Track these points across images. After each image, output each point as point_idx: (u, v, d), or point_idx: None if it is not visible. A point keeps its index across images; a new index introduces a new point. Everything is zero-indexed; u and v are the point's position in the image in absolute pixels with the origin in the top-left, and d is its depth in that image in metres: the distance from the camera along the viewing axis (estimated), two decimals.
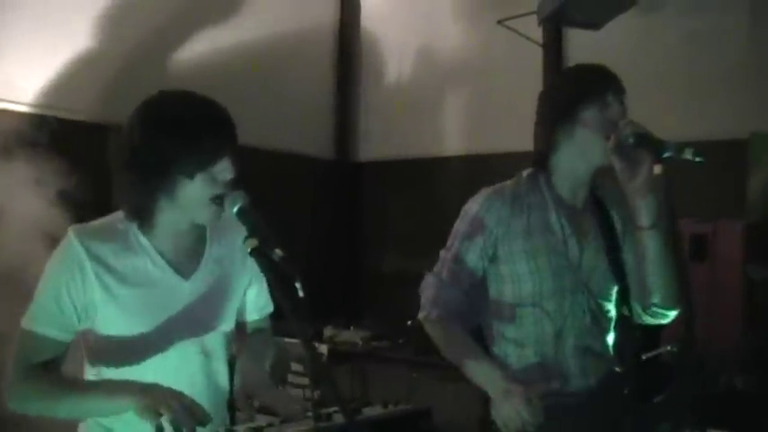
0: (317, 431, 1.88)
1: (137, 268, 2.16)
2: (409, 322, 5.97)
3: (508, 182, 2.58)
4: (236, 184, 2.13)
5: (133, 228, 2.18)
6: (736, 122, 5.50)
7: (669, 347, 2.25)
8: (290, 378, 5.47)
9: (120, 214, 2.19)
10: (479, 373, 2.42)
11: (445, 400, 4.65)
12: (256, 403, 2.10)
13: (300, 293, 1.82)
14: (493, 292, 2.56)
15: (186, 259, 2.24)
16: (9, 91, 5.48)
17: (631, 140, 2.31)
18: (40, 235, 4.49)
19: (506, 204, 2.49)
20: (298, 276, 1.83)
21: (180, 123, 2.08)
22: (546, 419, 2.24)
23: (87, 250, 2.11)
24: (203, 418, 1.92)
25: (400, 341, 6.16)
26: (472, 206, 2.55)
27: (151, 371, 2.16)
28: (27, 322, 2.12)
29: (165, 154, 2.06)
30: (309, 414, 1.98)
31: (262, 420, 1.98)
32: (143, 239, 2.18)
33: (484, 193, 2.55)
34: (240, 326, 2.44)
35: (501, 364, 2.49)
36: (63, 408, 2.13)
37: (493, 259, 2.52)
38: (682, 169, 2.29)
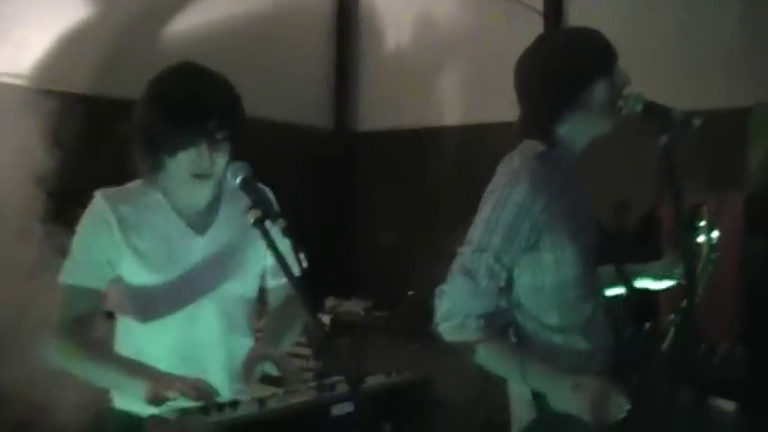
0: (321, 401, 1.88)
1: (155, 224, 2.33)
2: (410, 292, 6.01)
3: (533, 165, 2.36)
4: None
5: (152, 188, 2.34)
6: (739, 92, 5.47)
7: (672, 316, 2.25)
8: (293, 348, 5.49)
9: (140, 180, 2.37)
10: (539, 377, 2.29)
11: (444, 369, 4.68)
12: (258, 375, 2.16)
13: (304, 264, 1.83)
14: (528, 282, 2.38)
15: (202, 217, 2.38)
16: (2, 65, 5.45)
17: (639, 108, 2.30)
18: (34, 204, 4.50)
19: (549, 191, 2.31)
20: (300, 247, 1.84)
21: (164, 103, 2.22)
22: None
23: (112, 207, 2.30)
24: (209, 396, 1.99)
25: (401, 311, 6.18)
26: (515, 194, 2.30)
27: (171, 324, 2.32)
28: (62, 277, 2.30)
29: (150, 130, 2.22)
30: (312, 384, 1.97)
31: (266, 391, 1.99)
32: (161, 198, 2.34)
33: (525, 180, 2.31)
34: (263, 294, 2.55)
35: (553, 360, 2.36)
36: (87, 372, 2.30)
37: (533, 248, 2.33)
38: (683, 139, 2.28)
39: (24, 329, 3.90)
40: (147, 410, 2.13)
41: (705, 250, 2.51)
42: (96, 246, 2.29)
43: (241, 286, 2.43)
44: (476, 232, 2.35)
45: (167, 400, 1.98)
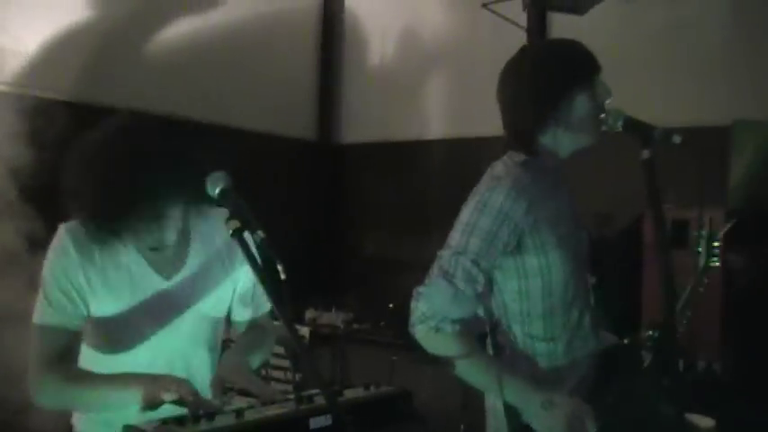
0: (299, 413, 1.87)
1: (119, 266, 2.25)
2: (390, 305, 6.01)
3: (515, 171, 2.38)
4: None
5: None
6: (719, 109, 5.52)
7: (650, 332, 2.25)
8: (272, 360, 5.44)
9: None
10: (510, 390, 2.27)
11: (425, 382, 4.68)
12: (230, 393, 2.16)
13: (282, 276, 1.81)
14: (514, 287, 2.39)
15: (170, 260, 2.31)
16: None
17: (620, 124, 2.31)
18: (18, 212, 4.47)
19: (531, 195, 2.32)
20: (279, 259, 1.83)
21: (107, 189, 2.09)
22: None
23: (74, 243, 2.21)
24: (204, 406, 1.96)
25: (381, 324, 6.17)
26: (495, 198, 2.31)
27: (134, 363, 2.25)
28: (36, 317, 2.22)
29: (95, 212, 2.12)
30: (290, 396, 1.96)
31: (242, 403, 1.97)
32: (126, 239, 2.23)
33: (505, 184, 2.32)
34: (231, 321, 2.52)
35: (528, 372, 2.36)
36: (79, 403, 2.25)
37: (516, 252, 2.34)
38: (664, 155, 2.30)
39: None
40: None
41: (703, 260, 2.53)
42: (64, 282, 2.21)
43: (209, 317, 2.40)
44: (455, 235, 2.35)
45: (163, 402, 1.96)
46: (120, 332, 2.26)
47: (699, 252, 2.54)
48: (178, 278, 2.31)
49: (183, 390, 1.98)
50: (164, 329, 2.29)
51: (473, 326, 2.36)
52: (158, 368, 2.25)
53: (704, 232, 2.53)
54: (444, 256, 2.34)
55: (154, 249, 2.21)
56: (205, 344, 2.41)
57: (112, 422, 2.23)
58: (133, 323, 2.26)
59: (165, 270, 2.30)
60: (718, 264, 2.58)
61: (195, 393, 1.99)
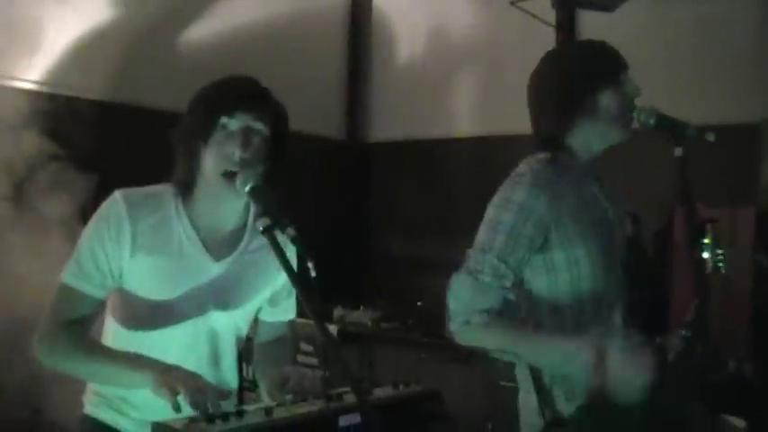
0: (328, 411, 1.87)
1: (170, 238, 2.24)
2: (419, 304, 6.00)
3: (536, 167, 2.39)
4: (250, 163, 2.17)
5: (177, 199, 2.26)
6: (747, 107, 5.46)
7: (683, 332, 2.23)
8: (300, 358, 5.46)
9: (168, 185, 2.28)
10: (558, 349, 2.24)
11: (452, 381, 4.68)
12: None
13: (313, 273, 1.82)
14: (543, 284, 2.39)
15: (222, 243, 2.31)
16: (17, 69, 5.46)
17: (652, 122, 2.30)
18: (48, 212, 4.50)
19: (553, 189, 2.32)
20: (310, 256, 1.84)
21: (202, 92, 2.25)
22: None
23: (129, 210, 2.20)
24: (219, 399, 1.94)
25: (409, 322, 6.17)
26: (517, 194, 2.32)
27: (163, 340, 2.25)
28: (65, 276, 2.21)
29: (189, 121, 2.21)
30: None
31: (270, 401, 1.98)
32: (183, 212, 2.25)
33: (526, 180, 2.34)
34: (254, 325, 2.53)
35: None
36: (85, 371, 2.24)
37: (543, 248, 2.34)
38: (692, 153, 2.28)
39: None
40: (118, 420, 2.23)
41: (710, 267, 2.52)
42: (103, 253, 2.19)
43: (240, 321, 2.40)
44: (481, 234, 2.37)
45: (177, 393, 1.93)
46: (154, 308, 2.25)
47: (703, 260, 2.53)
48: (226, 262, 2.30)
49: (194, 386, 1.94)
50: (199, 311, 2.28)
51: (505, 313, 2.34)
52: (185, 348, 2.27)
53: (707, 241, 2.52)
54: (471, 254, 2.36)
55: (226, 175, 2.15)
56: (234, 332, 2.40)
57: (125, 410, 2.28)
58: (170, 297, 2.24)
59: (216, 252, 2.29)
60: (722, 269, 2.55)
61: (204, 389, 1.95)
